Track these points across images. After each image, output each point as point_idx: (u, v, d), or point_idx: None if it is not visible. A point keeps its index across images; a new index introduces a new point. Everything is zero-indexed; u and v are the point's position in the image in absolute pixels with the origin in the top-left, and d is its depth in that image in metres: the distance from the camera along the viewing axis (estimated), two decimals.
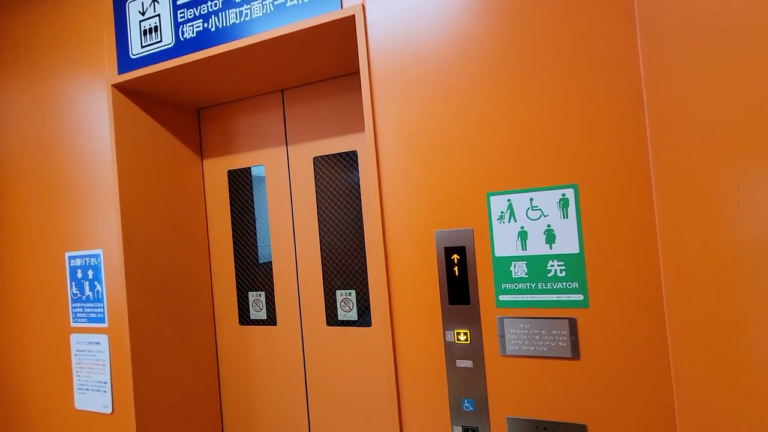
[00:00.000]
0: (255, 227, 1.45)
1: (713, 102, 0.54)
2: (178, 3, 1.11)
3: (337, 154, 1.31)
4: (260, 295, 1.42)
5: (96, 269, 1.24)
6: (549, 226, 0.79)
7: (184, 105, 1.44)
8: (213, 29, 1.07)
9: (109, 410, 1.22)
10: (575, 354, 0.77)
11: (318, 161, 1.34)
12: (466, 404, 0.84)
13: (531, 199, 0.80)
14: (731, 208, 0.53)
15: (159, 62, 1.13)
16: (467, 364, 0.84)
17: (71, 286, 1.29)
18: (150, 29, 1.15)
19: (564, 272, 0.78)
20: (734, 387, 0.55)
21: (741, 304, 0.52)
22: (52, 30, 1.31)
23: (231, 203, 1.46)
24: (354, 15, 0.92)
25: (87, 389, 1.26)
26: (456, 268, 0.85)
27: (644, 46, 0.72)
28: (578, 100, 0.77)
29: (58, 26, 1.30)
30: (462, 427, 0.85)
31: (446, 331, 0.86)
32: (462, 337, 0.85)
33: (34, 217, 1.36)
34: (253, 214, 1.45)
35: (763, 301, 0.48)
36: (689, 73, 0.59)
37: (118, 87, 1.21)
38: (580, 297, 0.77)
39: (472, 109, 0.84)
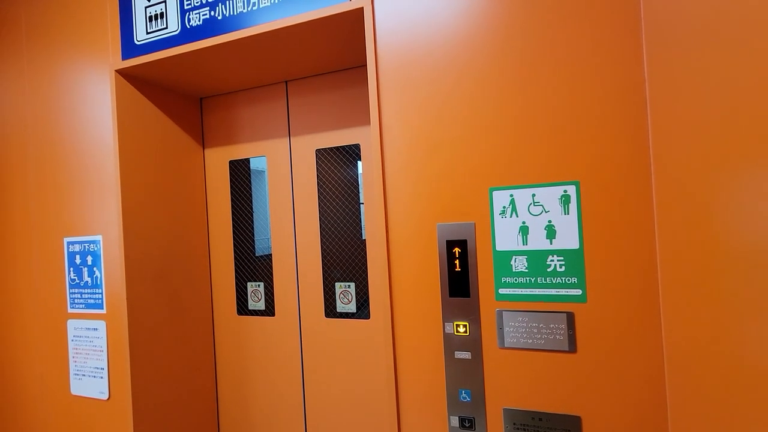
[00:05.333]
0: (254, 218, 1.45)
1: (715, 104, 0.55)
2: None
3: (340, 147, 1.32)
4: (259, 285, 1.43)
5: (95, 255, 1.24)
6: (550, 221, 0.80)
7: (187, 93, 1.43)
8: (220, 17, 1.07)
9: (105, 396, 1.23)
10: (572, 347, 0.79)
11: (320, 154, 1.34)
12: (464, 395, 0.86)
13: (533, 195, 0.81)
14: (729, 209, 0.54)
15: (164, 49, 1.13)
16: (466, 355, 0.86)
17: (69, 271, 1.29)
18: (155, 15, 1.15)
19: (563, 267, 0.79)
20: (726, 383, 0.57)
21: (736, 303, 0.54)
22: (55, 13, 1.30)
23: (232, 193, 1.46)
24: (362, 7, 0.93)
25: (83, 375, 1.26)
26: (457, 262, 0.86)
27: (649, 46, 0.73)
28: (582, 99, 0.78)
29: (62, 9, 1.29)
30: (459, 417, 0.86)
31: (446, 323, 0.87)
32: (461, 329, 0.86)
33: (32, 202, 1.35)
34: (253, 205, 1.45)
35: (759, 301, 0.49)
36: (693, 74, 0.60)
37: (122, 73, 1.21)
38: (578, 292, 0.78)
39: (476, 104, 0.85)
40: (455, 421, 0.86)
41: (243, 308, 1.45)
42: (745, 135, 0.50)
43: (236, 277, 1.46)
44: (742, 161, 0.51)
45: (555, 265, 0.80)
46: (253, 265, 1.45)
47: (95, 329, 1.24)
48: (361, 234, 1.31)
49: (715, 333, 0.59)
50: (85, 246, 1.26)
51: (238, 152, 1.45)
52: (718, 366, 0.59)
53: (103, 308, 1.23)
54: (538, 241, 0.81)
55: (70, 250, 1.29)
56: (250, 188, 1.46)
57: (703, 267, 0.61)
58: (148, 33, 1.16)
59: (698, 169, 0.60)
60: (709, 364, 0.61)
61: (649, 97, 0.73)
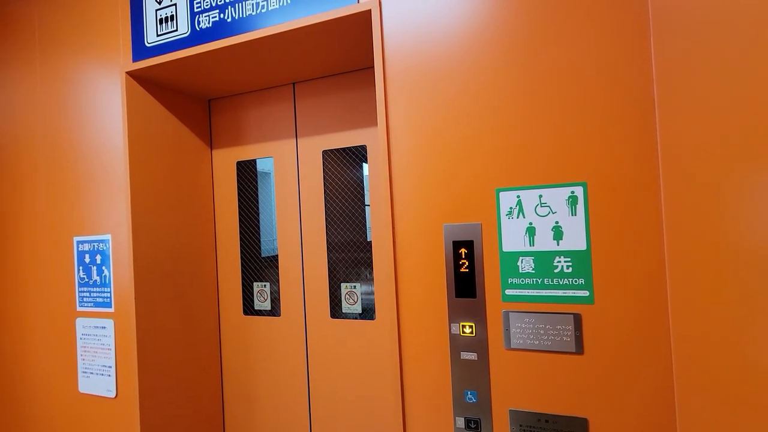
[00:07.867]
0: (261, 218, 1.46)
1: (724, 104, 0.55)
2: None
3: (346, 148, 1.33)
4: (265, 285, 1.44)
5: (104, 254, 1.25)
6: (557, 222, 0.80)
7: (196, 95, 1.45)
8: (229, 20, 1.08)
9: (112, 394, 1.24)
10: (579, 349, 0.78)
11: (327, 155, 1.35)
12: (469, 396, 0.86)
13: (540, 196, 0.81)
14: (738, 209, 0.54)
15: (174, 51, 1.15)
16: (472, 356, 0.86)
17: (78, 270, 1.31)
18: (166, 18, 1.16)
19: (570, 268, 0.79)
20: (736, 385, 0.56)
21: (746, 304, 0.54)
22: (68, 15, 1.32)
23: (239, 194, 1.48)
24: (370, 10, 0.93)
25: (91, 373, 1.28)
26: (463, 262, 0.86)
27: (657, 45, 0.73)
28: (589, 98, 0.78)
29: (74, 11, 1.31)
30: (464, 418, 0.86)
31: (452, 324, 0.87)
32: (467, 330, 0.86)
33: (43, 201, 1.37)
34: (260, 206, 1.46)
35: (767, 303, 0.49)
36: (702, 72, 0.60)
37: (132, 75, 1.22)
38: (585, 293, 0.78)
39: (483, 106, 0.86)
40: (461, 423, 0.86)
41: (249, 308, 1.46)
42: (756, 134, 0.49)
43: (242, 277, 1.47)
44: (752, 161, 0.50)
45: (562, 266, 0.80)
46: (259, 265, 1.45)
47: (103, 327, 1.25)
48: (367, 235, 1.31)
49: (725, 334, 0.58)
50: (94, 245, 1.27)
51: (246, 153, 1.47)
52: (727, 367, 0.58)
53: (111, 307, 1.25)
54: (545, 242, 0.81)
55: (79, 249, 1.30)
56: (257, 189, 1.47)
57: (712, 268, 0.60)
58: (158, 35, 1.17)
59: (707, 170, 0.60)
60: (718, 365, 0.60)
61: (657, 96, 0.73)
